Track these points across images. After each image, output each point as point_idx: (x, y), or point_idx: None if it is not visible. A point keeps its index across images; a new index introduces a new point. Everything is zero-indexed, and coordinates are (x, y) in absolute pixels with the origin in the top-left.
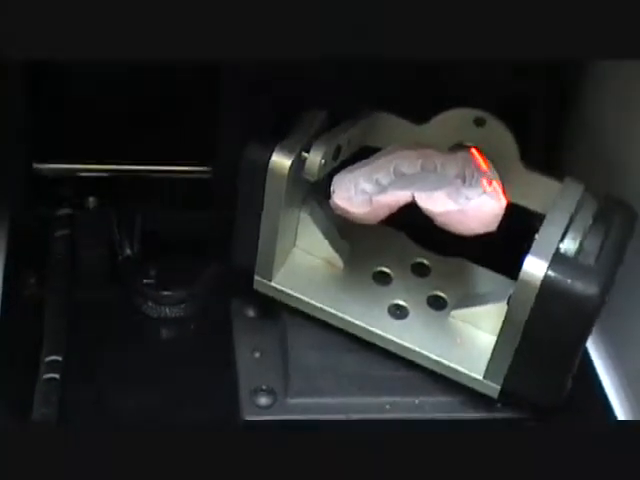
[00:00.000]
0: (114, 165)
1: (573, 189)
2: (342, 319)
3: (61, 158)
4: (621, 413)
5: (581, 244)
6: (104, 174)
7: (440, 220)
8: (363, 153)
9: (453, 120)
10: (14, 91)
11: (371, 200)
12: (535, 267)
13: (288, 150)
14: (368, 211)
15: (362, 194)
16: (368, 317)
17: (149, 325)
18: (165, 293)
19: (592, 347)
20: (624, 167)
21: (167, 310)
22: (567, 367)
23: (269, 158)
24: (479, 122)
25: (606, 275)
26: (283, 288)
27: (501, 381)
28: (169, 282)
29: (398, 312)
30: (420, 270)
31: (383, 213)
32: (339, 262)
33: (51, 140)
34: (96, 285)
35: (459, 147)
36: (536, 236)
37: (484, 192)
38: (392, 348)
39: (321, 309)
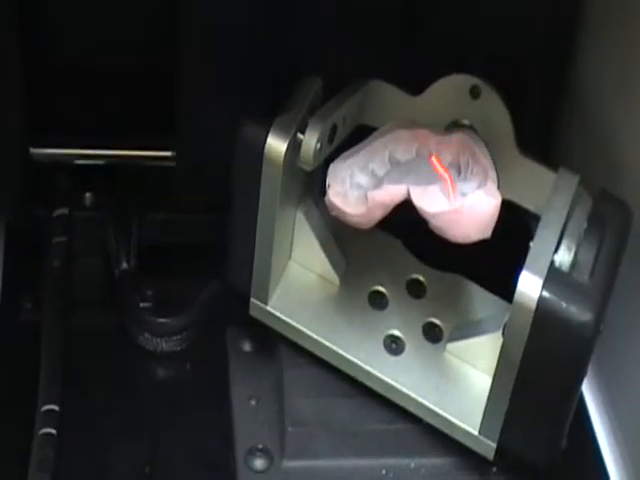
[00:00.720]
0: (112, 150)
1: (568, 182)
2: (338, 354)
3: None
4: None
5: (576, 255)
6: (101, 161)
7: (434, 223)
8: (357, 137)
9: (449, 90)
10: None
11: (366, 197)
12: (530, 286)
13: (284, 131)
14: (363, 212)
15: (357, 188)
16: (364, 352)
17: (145, 362)
18: (161, 320)
19: (589, 403)
20: (622, 147)
21: (163, 344)
22: (563, 414)
23: (264, 141)
24: (475, 93)
25: (601, 296)
26: (278, 314)
27: (497, 437)
28: (166, 303)
29: (394, 346)
30: (416, 289)
31: (378, 214)
32: (335, 278)
33: (47, 124)
34: (93, 308)
35: (455, 126)
36: (531, 244)
37: (478, 187)
38: (388, 393)
39: (316, 341)
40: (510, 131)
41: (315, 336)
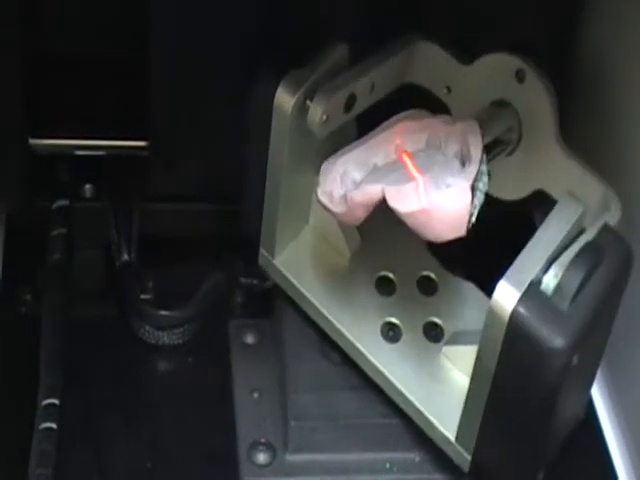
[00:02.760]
0: (112, 141)
1: (573, 207)
2: (335, 328)
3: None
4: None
5: (561, 279)
6: (101, 152)
7: (408, 222)
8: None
9: (496, 67)
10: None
11: (346, 198)
12: (506, 297)
13: (291, 91)
14: (346, 212)
15: (351, 184)
16: (360, 332)
17: (146, 355)
18: (163, 313)
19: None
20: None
21: (165, 337)
22: (535, 438)
23: (274, 94)
24: (520, 77)
25: (578, 326)
26: (284, 271)
27: (471, 449)
28: (168, 295)
29: (391, 333)
30: (426, 286)
31: (360, 213)
32: (346, 251)
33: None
34: (93, 300)
35: (500, 105)
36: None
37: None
38: (376, 377)
39: (316, 309)
40: (551, 123)
41: (316, 303)
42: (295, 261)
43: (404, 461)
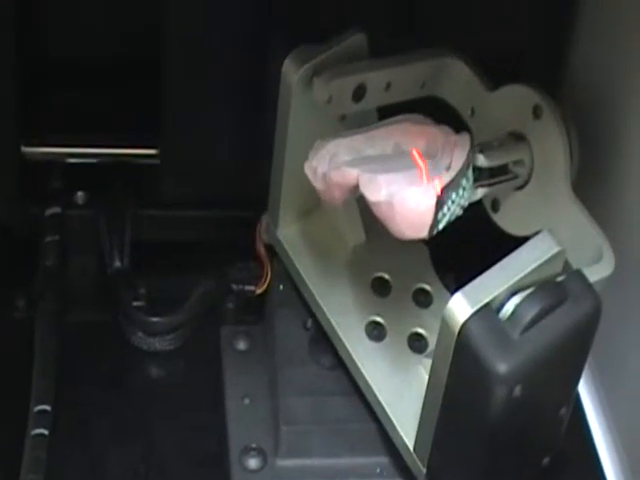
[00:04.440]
0: (104, 149)
1: (548, 243)
2: (323, 314)
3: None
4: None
5: (516, 309)
6: (93, 160)
7: (374, 212)
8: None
9: (515, 98)
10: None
11: (325, 176)
12: (459, 309)
13: (299, 62)
14: (324, 189)
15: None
16: (345, 322)
17: (139, 361)
18: (155, 320)
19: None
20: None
21: (157, 343)
22: (479, 460)
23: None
24: (536, 113)
25: (523, 357)
26: (284, 243)
27: (426, 462)
28: (159, 301)
29: (375, 332)
30: (421, 298)
31: (337, 194)
32: (350, 242)
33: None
34: (86, 306)
35: (516, 136)
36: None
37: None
38: (352, 370)
39: (309, 292)
40: (562, 166)
41: (308, 284)
42: (298, 238)
43: (394, 466)
